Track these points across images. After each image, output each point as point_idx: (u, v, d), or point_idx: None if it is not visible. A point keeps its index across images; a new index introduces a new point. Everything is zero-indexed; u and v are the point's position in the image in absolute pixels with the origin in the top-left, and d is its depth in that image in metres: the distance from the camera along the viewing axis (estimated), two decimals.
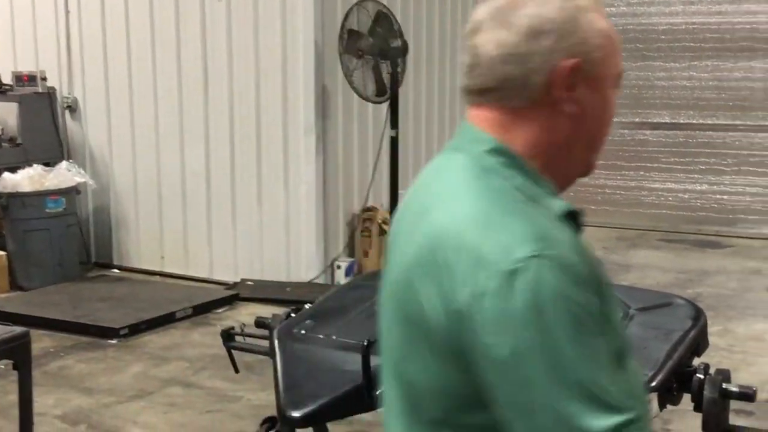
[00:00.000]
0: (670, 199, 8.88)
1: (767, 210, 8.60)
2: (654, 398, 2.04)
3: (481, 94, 1.32)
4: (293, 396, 2.13)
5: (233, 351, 2.74)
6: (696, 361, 2.26)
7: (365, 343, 1.98)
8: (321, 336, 2.37)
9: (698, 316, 2.56)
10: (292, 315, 2.51)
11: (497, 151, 1.30)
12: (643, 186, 8.99)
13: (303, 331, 2.40)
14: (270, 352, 2.40)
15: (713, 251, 8.03)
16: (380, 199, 7.12)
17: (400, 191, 6.70)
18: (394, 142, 6.50)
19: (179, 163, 7.12)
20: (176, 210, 7.20)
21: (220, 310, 6.32)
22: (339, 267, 6.78)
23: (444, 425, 1.27)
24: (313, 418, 2.11)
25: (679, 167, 8.87)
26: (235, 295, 6.56)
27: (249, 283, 6.82)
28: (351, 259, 6.90)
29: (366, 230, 6.95)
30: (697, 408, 2.11)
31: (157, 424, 4.46)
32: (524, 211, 1.25)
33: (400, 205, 1.43)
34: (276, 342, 2.34)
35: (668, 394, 2.10)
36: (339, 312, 2.50)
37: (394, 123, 6.46)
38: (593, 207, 9.12)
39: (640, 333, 2.37)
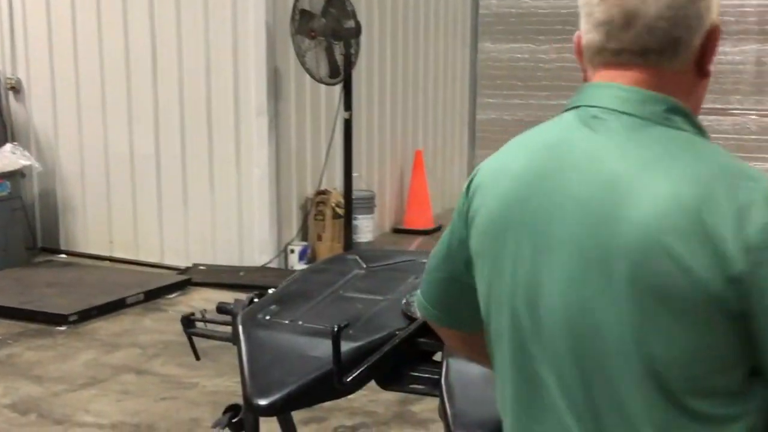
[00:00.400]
0: None
1: None
2: None
3: (641, 54, 1.27)
4: (259, 384, 2.07)
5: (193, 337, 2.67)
6: None
7: (335, 329, 1.93)
8: (286, 321, 2.30)
9: None
10: (256, 300, 2.45)
11: (676, 110, 1.27)
12: None
13: (267, 317, 2.34)
14: (233, 339, 2.33)
15: None
16: (334, 182, 7.05)
17: (354, 174, 6.67)
18: (347, 125, 6.43)
19: (128, 145, 6.98)
20: (125, 194, 7.06)
21: (172, 296, 6.22)
22: (292, 251, 6.71)
23: (693, 392, 1.22)
24: (281, 406, 2.04)
25: None
26: (187, 279, 6.46)
27: (201, 267, 6.73)
28: (304, 243, 6.83)
29: (319, 214, 6.88)
30: None
31: (110, 413, 4.37)
32: (745, 163, 1.24)
33: (523, 177, 1.31)
34: (240, 328, 2.27)
35: None
36: (304, 296, 2.44)
37: (347, 105, 6.39)
38: None
39: None
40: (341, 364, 1.94)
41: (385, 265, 2.61)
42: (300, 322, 2.30)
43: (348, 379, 1.97)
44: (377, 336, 2.18)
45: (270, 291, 2.52)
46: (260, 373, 2.12)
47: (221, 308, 2.53)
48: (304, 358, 2.14)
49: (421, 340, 2.20)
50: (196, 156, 6.75)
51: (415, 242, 7.53)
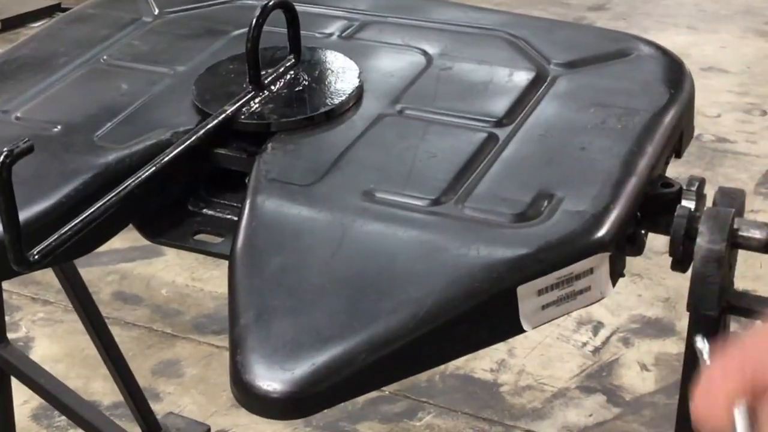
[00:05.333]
0: None
1: None
2: (602, 258, 0.92)
3: None
4: None
5: None
6: (674, 172, 1.15)
7: (4, 155, 0.95)
8: None
9: (679, 80, 1.26)
10: None
11: None
12: None
13: None
14: None
15: None
16: None
17: None
18: None
19: None
20: None
21: (35, 25, 5.19)
22: None
23: None
24: None
25: None
26: (56, 5, 5.42)
27: None
28: None
29: None
30: (679, 264, 1.01)
31: None
32: None
33: None
34: None
35: (629, 243, 1.00)
36: (39, 66, 1.42)
37: None
38: None
39: (570, 116, 1.14)
40: (18, 226, 0.98)
41: (190, 10, 1.57)
42: (16, 116, 1.31)
43: (36, 254, 1.01)
44: (139, 146, 1.20)
45: None
46: None
47: None
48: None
49: (220, 151, 1.23)
50: None
51: None
